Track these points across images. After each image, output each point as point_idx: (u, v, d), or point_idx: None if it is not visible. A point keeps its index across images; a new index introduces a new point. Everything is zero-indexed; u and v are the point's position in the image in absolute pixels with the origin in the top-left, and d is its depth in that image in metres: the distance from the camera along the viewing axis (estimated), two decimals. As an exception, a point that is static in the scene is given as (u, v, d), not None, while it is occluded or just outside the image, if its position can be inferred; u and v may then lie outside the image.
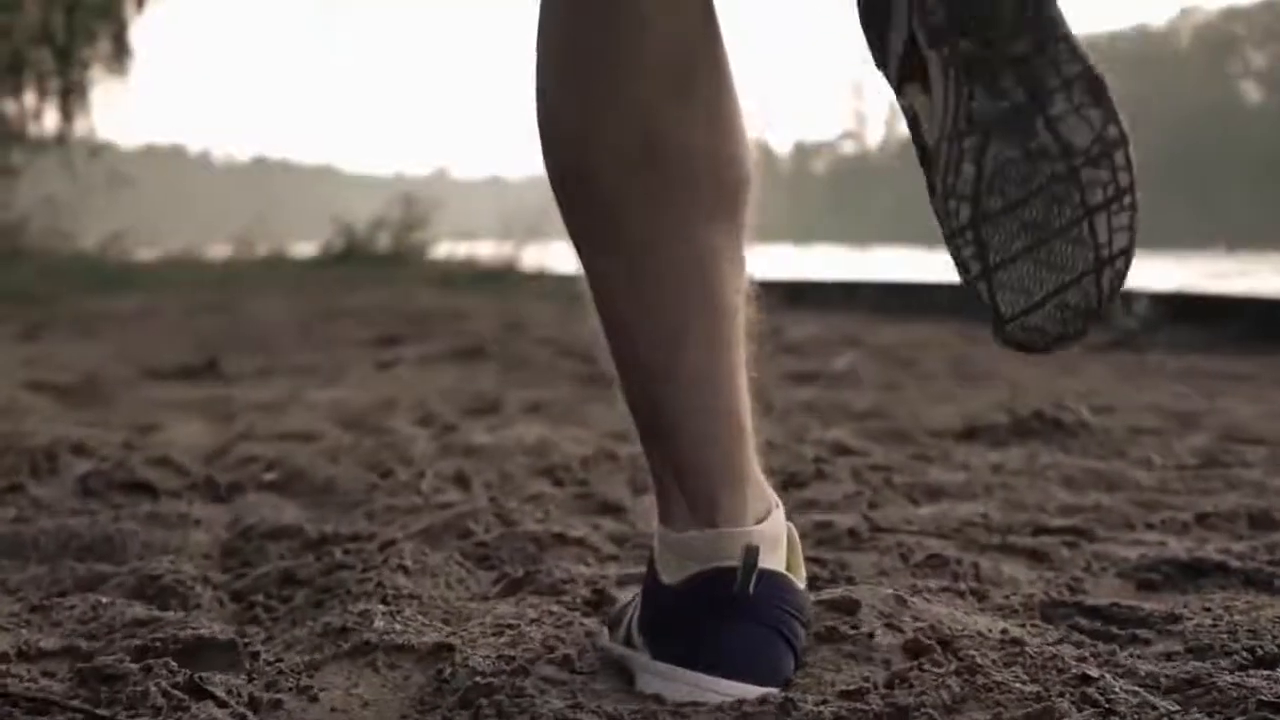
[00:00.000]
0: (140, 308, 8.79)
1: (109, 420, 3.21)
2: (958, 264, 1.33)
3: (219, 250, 16.53)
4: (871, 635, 1.35)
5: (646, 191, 1.37)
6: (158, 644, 1.31)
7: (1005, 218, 1.33)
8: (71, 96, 18.06)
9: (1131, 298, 7.10)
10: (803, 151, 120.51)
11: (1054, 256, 1.34)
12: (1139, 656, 1.34)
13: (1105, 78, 1.32)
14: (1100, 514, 2.06)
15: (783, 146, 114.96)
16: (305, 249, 15.95)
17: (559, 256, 12.90)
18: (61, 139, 17.88)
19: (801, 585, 1.38)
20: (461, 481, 2.21)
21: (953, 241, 1.33)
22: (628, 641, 1.40)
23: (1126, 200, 1.32)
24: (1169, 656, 1.35)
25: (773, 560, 1.36)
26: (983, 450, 2.66)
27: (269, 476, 2.28)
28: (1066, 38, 1.32)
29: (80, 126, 18.45)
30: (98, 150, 16.77)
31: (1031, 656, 1.27)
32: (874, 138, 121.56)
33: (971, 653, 1.27)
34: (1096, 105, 1.32)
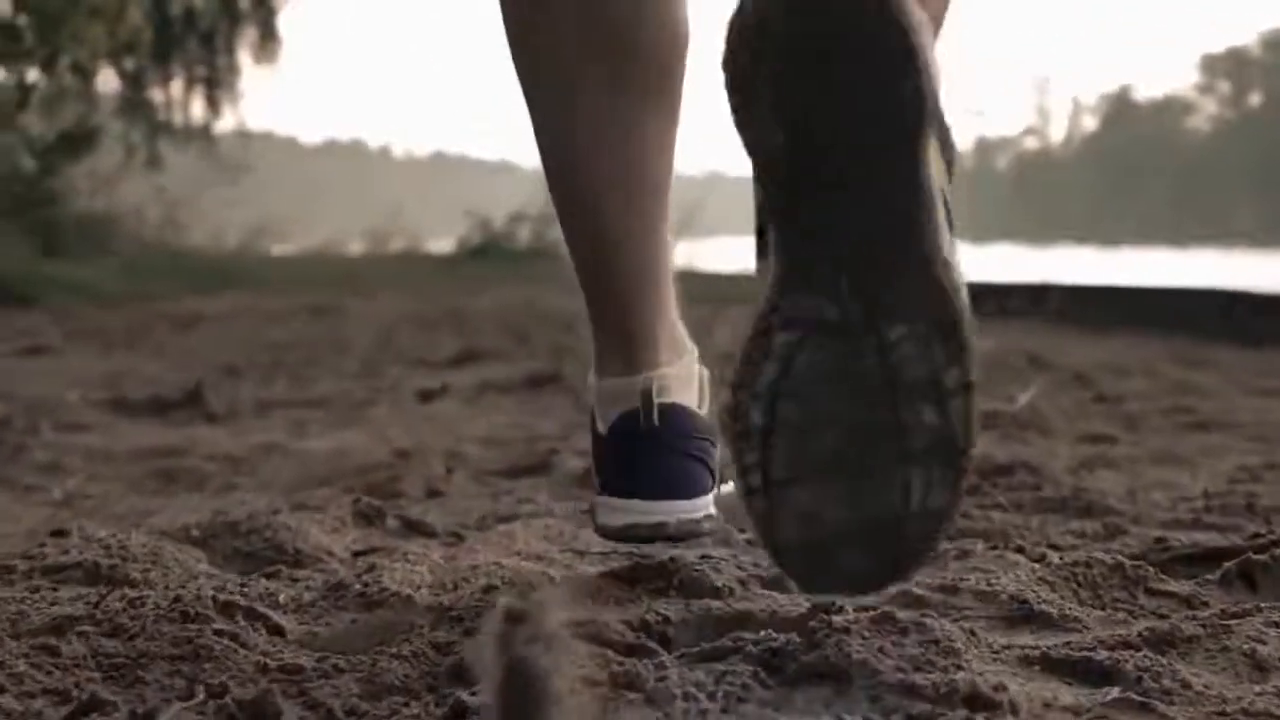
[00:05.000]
0: (229, 309, 7.87)
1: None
2: (739, 469, 1.19)
3: (356, 246, 15.75)
4: None
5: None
6: None
7: (803, 433, 1.18)
8: (219, 86, 17.48)
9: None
10: (984, 147, 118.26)
11: (851, 489, 1.17)
12: None
13: (963, 315, 1.17)
14: None
15: (965, 142, 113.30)
16: (446, 244, 15.08)
17: (709, 255, 11.84)
18: (206, 129, 17.30)
19: (704, 410, 1.55)
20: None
21: (738, 444, 1.19)
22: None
23: (955, 457, 1.16)
24: None
25: (682, 395, 1.52)
26: (1275, 611, 1.49)
27: None
28: (927, 261, 1.17)
29: (228, 117, 17.88)
30: (208, 141, 16.05)
31: None
32: (1057, 133, 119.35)
33: None
34: (943, 341, 1.17)
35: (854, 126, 1.16)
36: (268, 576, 1.60)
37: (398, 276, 11.13)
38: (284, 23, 19.05)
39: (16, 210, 9.95)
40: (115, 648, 1.24)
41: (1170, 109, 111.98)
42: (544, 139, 1.52)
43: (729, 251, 11.69)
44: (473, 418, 3.46)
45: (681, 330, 1.57)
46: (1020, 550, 1.73)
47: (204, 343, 5.65)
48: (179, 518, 2.02)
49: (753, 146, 1.19)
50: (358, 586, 1.51)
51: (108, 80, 14.67)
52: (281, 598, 1.49)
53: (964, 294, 1.19)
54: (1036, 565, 1.63)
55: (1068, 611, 1.45)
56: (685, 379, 1.54)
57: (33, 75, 10.56)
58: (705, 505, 1.51)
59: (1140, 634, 1.37)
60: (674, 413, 1.50)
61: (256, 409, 3.58)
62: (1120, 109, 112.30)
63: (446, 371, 4.57)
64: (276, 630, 1.37)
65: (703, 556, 1.64)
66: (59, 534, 1.81)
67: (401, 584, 1.52)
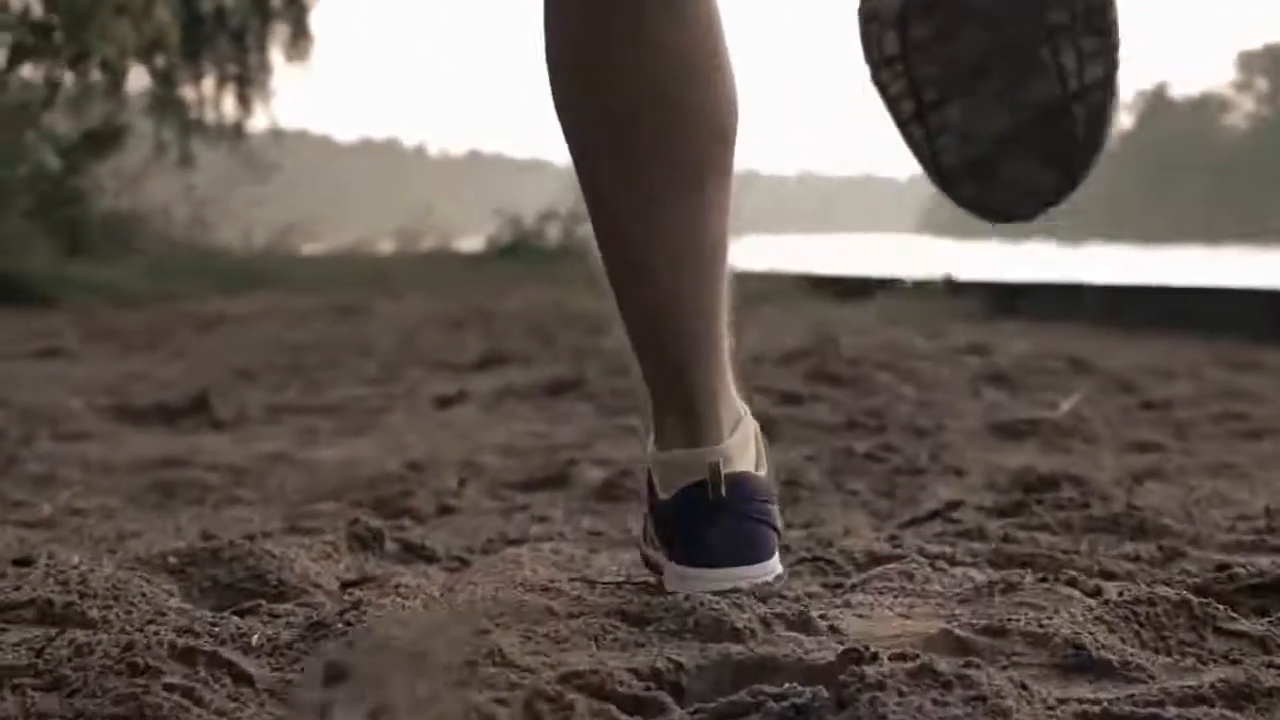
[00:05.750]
0: (254, 309, 7.75)
1: None
2: (888, 106, 1.19)
3: (387, 245, 15.59)
4: None
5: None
6: None
7: (940, 45, 1.16)
8: (250, 84, 17.38)
9: None
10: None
11: (1004, 89, 1.14)
12: None
13: None
14: None
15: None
16: (477, 243, 14.92)
17: (743, 254, 11.68)
18: (238, 126, 17.19)
19: (763, 471, 1.56)
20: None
21: (880, 78, 1.20)
22: (653, 547, 1.60)
23: (1099, 21, 1.14)
24: None
25: (743, 461, 1.54)
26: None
27: None
28: None
29: (261, 115, 17.73)
30: (240, 139, 15.92)
31: None
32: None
33: None
34: None
35: None
36: (243, 613, 1.46)
37: (426, 276, 10.97)
38: (316, 20, 18.92)
39: (41, 209, 9.83)
40: (52, 706, 1.10)
41: (1207, 106, 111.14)
42: (594, 202, 1.51)
43: (762, 250, 11.53)
44: (491, 425, 3.33)
45: (734, 389, 1.57)
46: (1072, 582, 1.57)
47: (223, 345, 5.53)
48: (161, 541, 1.88)
49: None
50: (340, 626, 1.36)
51: (139, 78, 14.56)
52: (254, 639, 1.34)
53: None
54: (1092, 602, 1.47)
55: (1129, 658, 1.30)
56: (743, 443, 1.55)
57: (61, 73, 10.45)
58: (774, 566, 1.55)
59: (1213, 685, 1.21)
60: (738, 481, 1.52)
61: (266, 415, 3.45)
62: (1156, 106, 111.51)
63: (467, 376, 4.44)
64: (243, 678, 1.23)
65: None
66: (22, 562, 1.67)
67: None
